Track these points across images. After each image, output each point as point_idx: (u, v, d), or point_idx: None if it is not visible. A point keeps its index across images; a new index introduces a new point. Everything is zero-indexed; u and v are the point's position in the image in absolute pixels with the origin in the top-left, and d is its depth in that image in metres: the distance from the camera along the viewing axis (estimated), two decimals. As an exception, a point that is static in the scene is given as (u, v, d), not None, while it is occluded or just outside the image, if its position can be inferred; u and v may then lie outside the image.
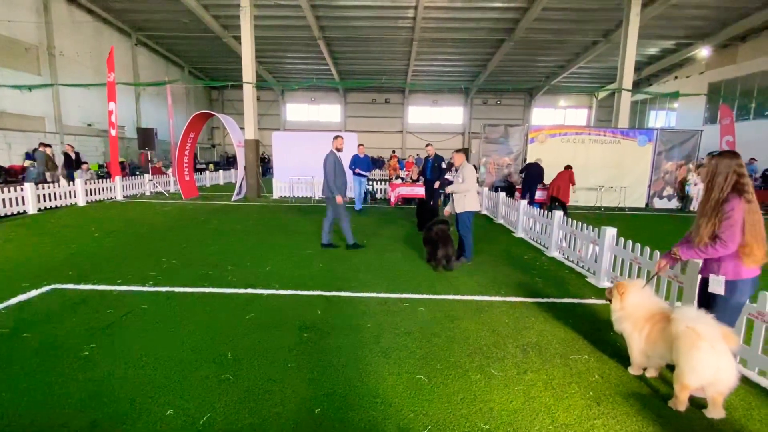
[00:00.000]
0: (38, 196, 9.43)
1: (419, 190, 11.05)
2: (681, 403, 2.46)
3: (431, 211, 8.10)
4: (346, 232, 6.27)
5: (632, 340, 2.77)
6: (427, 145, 8.98)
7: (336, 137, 6.22)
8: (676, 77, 22.19)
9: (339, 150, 6.10)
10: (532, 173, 10.36)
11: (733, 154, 2.54)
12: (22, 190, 9.05)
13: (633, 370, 2.87)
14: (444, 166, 8.82)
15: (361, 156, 10.44)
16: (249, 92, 13.05)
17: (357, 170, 10.32)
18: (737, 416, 2.46)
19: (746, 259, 2.45)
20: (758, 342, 2.85)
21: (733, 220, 2.41)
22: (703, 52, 18.82)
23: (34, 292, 4.15)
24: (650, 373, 2.84)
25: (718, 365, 2.25)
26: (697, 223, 2.61)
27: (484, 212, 10.63)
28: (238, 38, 15.69)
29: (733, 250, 2.46)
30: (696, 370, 2.30)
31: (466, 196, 5.46)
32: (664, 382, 2.78)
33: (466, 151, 5.86)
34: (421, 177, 10.41)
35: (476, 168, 14.94)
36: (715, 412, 2.41)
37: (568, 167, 10.30)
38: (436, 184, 8.29)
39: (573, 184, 10.24)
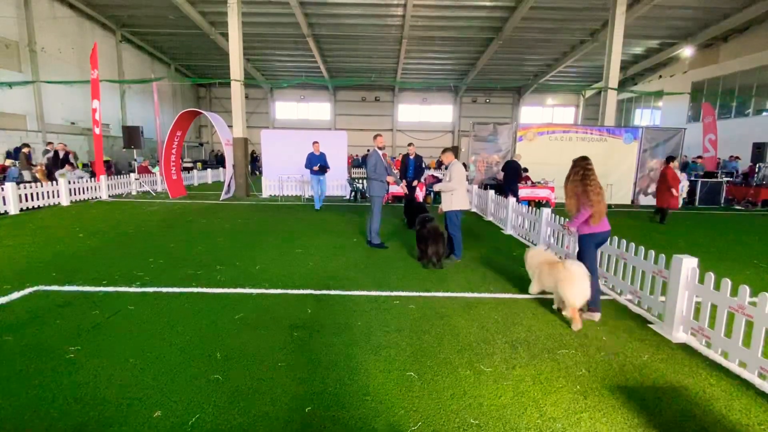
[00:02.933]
0: (20, 195, 9.23)
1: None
2: (577, 321, 3.53)
3: (419, 207, 8.22)
4: (373, 231, 6.36)
5: (532, 276, 4.24)
6: (408, 145, 9.28)
7: (377, 136, 6.45)
8: (660, 76, 22.60)
9: (381, 148, 6.29)
10: (510, 170, 10.45)
11: (584, 158, 3.95)
12: (2, 190, 8.85)
13: (532, 291, 4.24)
14: (423, 165, 9.16)
15: (317, 154, 10.38)
16: (237, 90, 12.92)
17: (316, 168, 10.21)
18: (736, 418, 2.54)
19: (592, 221, 3.72)
20: (758, 345, 2.86)
21: (584, 198, 3.72)
22: (687, 51, 19.20)
23: (16, 295, 4.06)
24: (555, 304, 4.01)
25: (583, 290, 3.49)
26: (567, 203, 3.90)
27: (474, 210, 10.70)
28: (225, 35, 15.50)
29: (588, 215, 3.71)
30: (576, 293, 3.49)
31: (454, 194, 5.49)
32: (644, 378, 2.85)
33: (455, 150, 5.97)
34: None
35: (465, 166, 15.04)
36: (575, 325, 3.54)
37: (668, 160, 9.41)
38: (416, 183, 8.73)
39: (673, 185, 9.04)
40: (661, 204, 9.37)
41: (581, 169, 3.84)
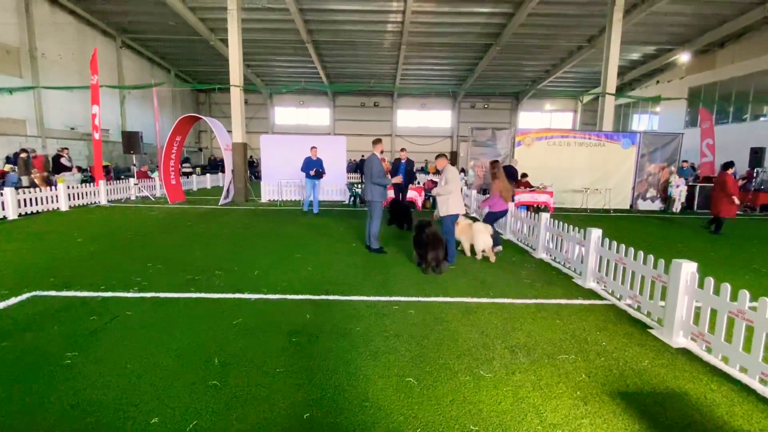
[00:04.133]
0: (18, 201, 9.21)
1: (410, 194, 11.13)
2: (478, 255, 6.03)
3: (404, 209, 8.44)
4: (372, 236, 6.32)
5: (464, 241, 6.19)
6: (401, 150, 9.40)
7: (377, 141, 6.36)
8: (657, 81, 22.72)
9: (380, 153, 6.29)
10: (506, 176, 10.46)
11: (494, 163, 6.53)
12: (1, 195, 8.84)
13: (467, 250, 6.22)
14: (415, 170, 9.33)
15: (314, 158, 10.40)
16: (236, 95, 12.95)
17: (313, 172, 10.25)
18: (738, 424, 2.52)
19: (497, 203, 6.21)
20: (759, 350, 2.85)
21: (494, 186, 6.28)
22: (683, 57, 19.31)
23: (13, 300, 4.04)
24: (467, 252, 6.21)
25: (486, 239, 5.88)
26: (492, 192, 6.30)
27: (473, 215, 10.71)
28: (225, 41, 15.58)
29: (496, 198, 6.23)
30: (481, 242, 5.91)
31: (450, 198, 5.53)
32: (643, 383, 2.83)
33: (449, 155, 6.14)
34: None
35: (464, 171, 15.07)
36: (492, 258, 5.94)
37: (725, 167, 8.74)
38: (419, 188, 8.83)
39: (734, 192, 8.42)
40: (719, 213, 8.65)
41: (494, 169, 6.37)
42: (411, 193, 11.29)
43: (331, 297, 4.33)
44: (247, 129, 14.62)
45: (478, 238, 5.92)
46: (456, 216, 5.70)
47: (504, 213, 6.42)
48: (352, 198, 12.63)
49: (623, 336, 3.54)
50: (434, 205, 11.86)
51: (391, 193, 10.86)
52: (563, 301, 4.37)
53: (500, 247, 6.52)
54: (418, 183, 13.83)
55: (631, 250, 4.24)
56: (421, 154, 27.07)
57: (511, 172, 10.27)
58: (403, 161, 9.06)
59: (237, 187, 13.09)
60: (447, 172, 5.54)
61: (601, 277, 4.74)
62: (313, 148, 10.48)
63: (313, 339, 3.32)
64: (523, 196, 10.94)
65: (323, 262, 5.73)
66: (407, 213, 8.60)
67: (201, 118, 12.98)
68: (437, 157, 5.91)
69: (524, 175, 11.28)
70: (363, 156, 13.70)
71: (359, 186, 12.66)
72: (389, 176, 6.81)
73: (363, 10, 16.05)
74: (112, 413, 2.35)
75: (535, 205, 11.06)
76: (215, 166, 27.42)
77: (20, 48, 14.64)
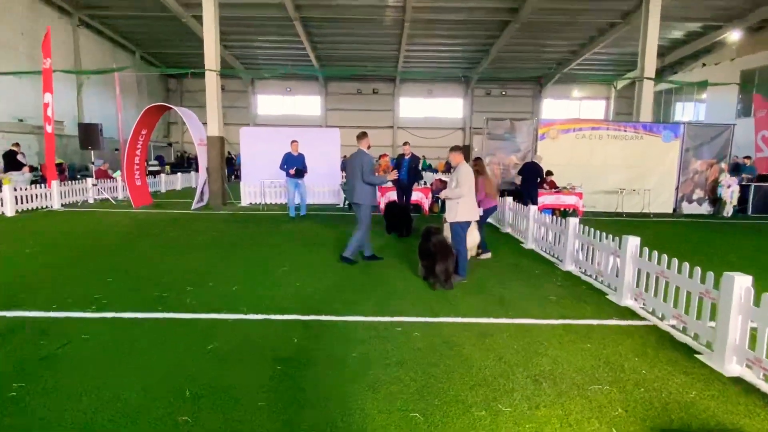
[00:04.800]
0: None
1: (415, 195, 11.14)
2: (470, 252, 6.39)
3: (402, 211, 8.34)
4: (356, 244, 6.31)
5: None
6: (404, 144, 9.37)
7: (362, 135, 6.33)
8: (704, 64, 22.80)
9: (369, 148, 6.31)
10: (529, 174, 10.48)
11: (477, 159, 7.13)
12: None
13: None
14: (421, 167, 9.26)
15: (295, 154, 10.40)
16: (212, 81, 13.02)
17: (292, 171, 10.29)
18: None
19: (485, 201, 6.79)
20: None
21: (479, 184, 6.40)
22: (734, 35, 19.40)
23: (-50, 321, 4.04)
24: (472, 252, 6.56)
25: (474, 235, 6.43)
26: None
27: (489, 220, 10.69)
28: (199, 18, 15.63)
29: (483, 196, 6.68)
30: (470, 239, 6.05)
31: (460, 203, 5.52)
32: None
33: (464, 150, 6.14)
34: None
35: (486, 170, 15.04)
36: (484, 256, 6.86)
37: None
38: (423, 188, 8.69)
39: None
40: None
41: (476, 167, 6.58)
42: (416, 195, 11.31)
43: (322, 317, 4.33)
44: (225, 120, 14.67)
45: (474, 235, 6.54)
46: (467, 223, 5.71)
47: (494, 209, 7.36)
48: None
49: (666, 363, 3.52)
50: (443, 209, 11.89)
51: (392, 195, 10.91)
52: (595, 322, 4.36)
53: (489, 254, 6.96)
54: (425, 183, 13.84)
55: (675, 261, 4.21)
56: (428, 150, 27.12)
57: (535, 170, 10.28)
58: (406, 157, 9.07)
59: (213, 188, 13.12)
60: (459, 172, 5.51)
61: (640, 293, 4.71)
62: (293, 142, 10.56)
63: (301, 367, 3.31)
64: (548, 198, 10.95)
65: (313, 276, 5.73)
66: (407, 217, 8.61)
67: (171, 108, 13.05)
68: (451, 150, 5.86)
69: (549, 173, 11.30)
70: (345, 156, 13.71)
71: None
72: (389, 174, 6.81)
73: (360, -19, 16.22)
74: (65, 455, 2.35)
75: (562, 209, 11.07)
76: (187, 163, 27.57)
77: (-40, 27, 14.76)
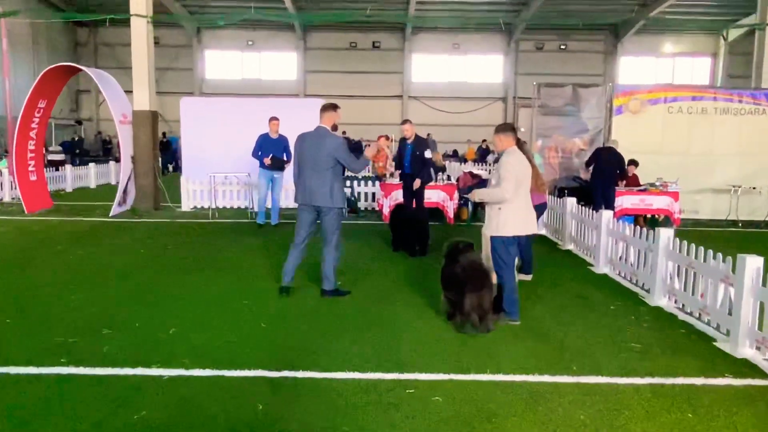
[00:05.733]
0: None
1: (434, 195, 11.06)
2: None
3: (415, 219, 8.27)
4: (331, 268, 6.23)
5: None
6: (403, 122, 8.91)
7: (327, 107, 6.21)
8: None
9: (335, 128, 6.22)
10: (604, 165, 10.44)
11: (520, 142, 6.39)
12: None
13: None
14: (429, 155, 8.92)
15: (274, 137, 10.40)
16: (141, 31, 13.01)
17: (267, 160, 10.27)
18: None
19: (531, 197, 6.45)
20: None
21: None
22: None
23: None
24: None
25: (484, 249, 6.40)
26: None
27: (543, 233, 10.67)
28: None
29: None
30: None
31: (503, 209, 5.41)
32: None
33: (513, 130, 5.87)
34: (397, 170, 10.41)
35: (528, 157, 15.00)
36: (521, 277, 6.90)
37: None
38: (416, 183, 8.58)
39: None
40: None
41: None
42: (435, 195, 11.23)
43: (299, 373, 4.24)
44: (160, 88, 14.75)
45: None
46: (514, 239, 5.53)
47: (544, 208, 7.49)
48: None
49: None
50: (475, 216, 11.85)
51: (400, 195, 10.85)
52: (699, 381, 4.26)
53: (530, 276, 7.27)
54: (447, 177, 13.71)
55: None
56: (453, 129, 26.99)
57: (617, 159, 10.27)
58: (409, 142, 8.81)
59: (141, 185, 13.13)
60: (505, 163, 5.39)
61: (764, 339, 4.63)
62: (273, 119, 10.49)
63: (269, 447, 3.24)
64: (629, 200, 10.89)
65: (288, 314, 5.69)
66: (422, 227, 8.53)
67: (81, 70, 13.09)
68: (498, 130, 5.69)
69: (632, 163, 11.22)
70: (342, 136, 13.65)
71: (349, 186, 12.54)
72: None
73: None
74: None
75: (649, 216, 11.01)
76: (105, 150, 27.64)
77: None
